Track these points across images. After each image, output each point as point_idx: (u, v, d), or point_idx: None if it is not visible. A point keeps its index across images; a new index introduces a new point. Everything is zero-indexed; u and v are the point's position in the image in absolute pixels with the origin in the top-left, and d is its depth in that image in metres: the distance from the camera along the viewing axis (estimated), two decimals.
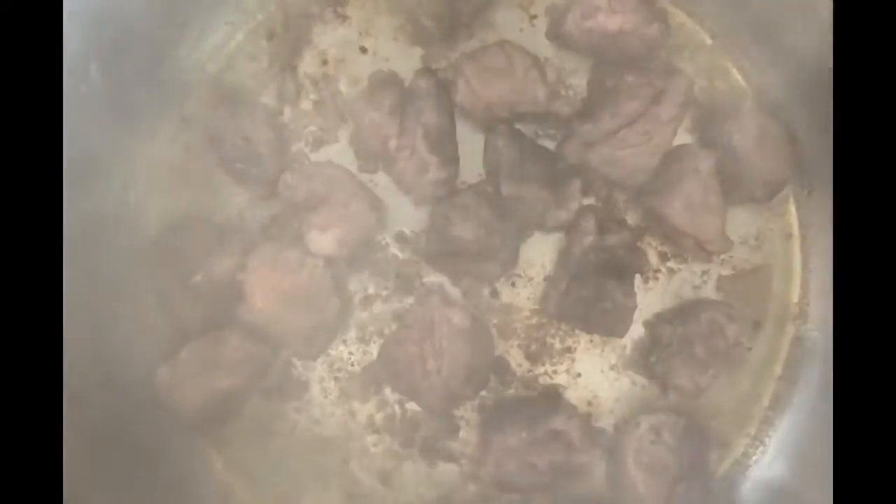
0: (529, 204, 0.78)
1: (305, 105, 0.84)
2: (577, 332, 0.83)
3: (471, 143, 0.81)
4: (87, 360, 0.74)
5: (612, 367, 0.83)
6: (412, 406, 0.82)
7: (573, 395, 0.83)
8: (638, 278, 0.81)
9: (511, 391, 0.82)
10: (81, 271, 0.72)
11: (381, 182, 0.83)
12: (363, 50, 0.84)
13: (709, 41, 0.86)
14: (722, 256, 0.83)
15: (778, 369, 0.85)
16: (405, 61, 0.84)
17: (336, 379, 0.83)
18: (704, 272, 0.84)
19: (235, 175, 0.82)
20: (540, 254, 0.83)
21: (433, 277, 0.83)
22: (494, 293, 0.83)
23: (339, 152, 0.83)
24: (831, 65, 0.53)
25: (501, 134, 0.79)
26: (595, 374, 0.83)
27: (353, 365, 0.83)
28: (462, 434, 0.82)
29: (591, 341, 0.83)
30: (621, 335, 0.80)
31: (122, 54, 0.75)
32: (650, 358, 0.81)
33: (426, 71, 0.82)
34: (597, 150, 0.78)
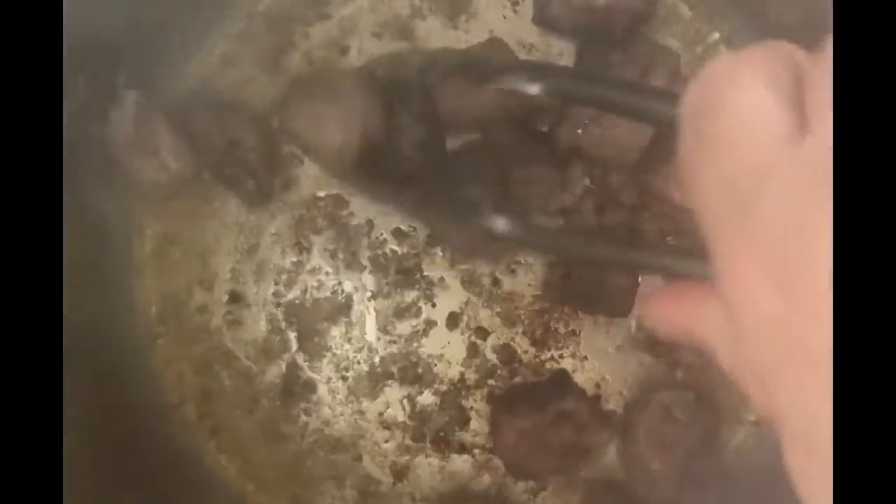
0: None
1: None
2: (580, 314, 0.83)
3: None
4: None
5: (619, 348, 0.83)
6: (422, 400, 0.82)
7: (581, 378, 0.82)
8: None
9: (519, 378, 0.82)
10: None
11: None
12: (347, 49, 0.84)
13: (688, 13, 0.85)
14: None
15: None
16: None
17: (343, 378, 0.83)
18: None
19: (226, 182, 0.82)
20: None
21: (433, 271, 0.83)
22: (496, 282, 0.83)
23: None
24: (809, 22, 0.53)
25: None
26: (602, 356, 0.83)
27: (359, 363, 0.83)
28: (473, 424, 0.82)
29: (596, 323, 0.83)
30: (625, 314, 0.80)
31: (109, 65, 0.75)
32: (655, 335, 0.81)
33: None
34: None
